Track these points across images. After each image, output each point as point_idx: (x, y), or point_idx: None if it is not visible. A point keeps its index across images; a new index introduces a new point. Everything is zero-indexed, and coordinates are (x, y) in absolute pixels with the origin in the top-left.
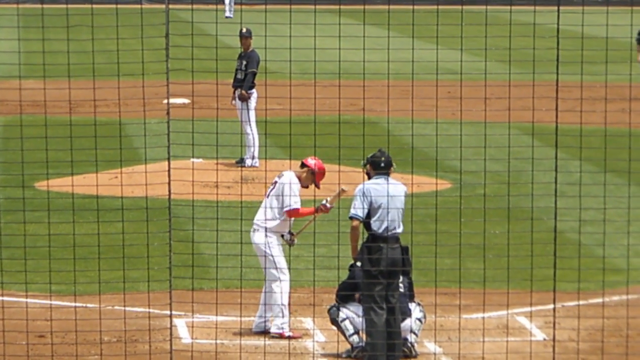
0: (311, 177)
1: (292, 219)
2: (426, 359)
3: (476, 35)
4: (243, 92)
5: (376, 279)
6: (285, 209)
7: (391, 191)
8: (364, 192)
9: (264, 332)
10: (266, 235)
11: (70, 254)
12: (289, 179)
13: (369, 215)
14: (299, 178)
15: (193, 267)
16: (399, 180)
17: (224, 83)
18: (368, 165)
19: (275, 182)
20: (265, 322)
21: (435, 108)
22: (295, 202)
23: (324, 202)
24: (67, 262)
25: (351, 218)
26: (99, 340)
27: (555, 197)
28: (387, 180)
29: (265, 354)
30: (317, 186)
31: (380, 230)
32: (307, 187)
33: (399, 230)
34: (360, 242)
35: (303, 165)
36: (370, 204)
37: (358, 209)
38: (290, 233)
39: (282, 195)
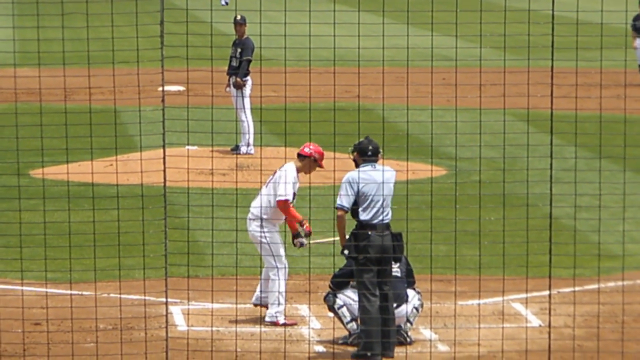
0: (313, 164)
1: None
2: (422, 345)
3: (471, 21)
4: (238, 79)
5: (365, 266)
6: (278, 198)
7: (379, 178)
8: (349, 182)
9: (262, 305)
10: (262, 225)
11: (65, 241)
12: (287, 170)
13: (356, 204)
14: (299, 169)
15: (188, 254)
16: (395, 167)
17: (219, 70)
18: (355, 153)
19: (275, 172)
20: (265, 297)
21: (430, 95)
22: (287, 194)
23: (302, 238)
24: (62, 250)
25: (337, 208)
26: (94, 327)
27: (550, 184)
28: (375, 167)
29: (261, 340)
30: (321, 167)
31: (368, 218)
32: (309, 173)
33: (388, 217)
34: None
35: (301, 156)
36: (357, 192)
37: (344, 199)
38: (305, 236)
39: (278, 184)
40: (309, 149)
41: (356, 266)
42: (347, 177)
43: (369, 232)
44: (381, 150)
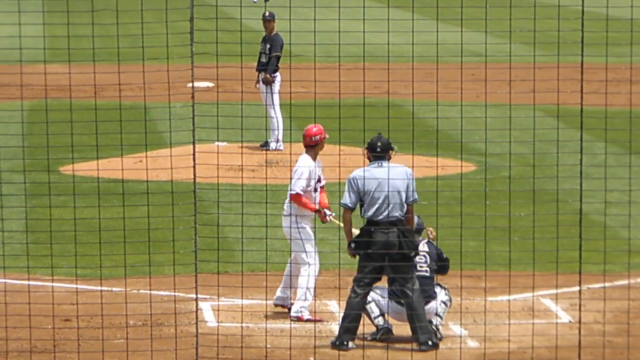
0: (321, 144)
1: (316, 198)
2: (452, 341)
3: (500, 17)
4: (267, 75)
5: (365, 262)
6: (291, 191)
7: (386, 175)
8: (350, 180)
9: (284, 307)
10: (296, 221)
11: (95, 238)
12: (299, 165)
13: (362, 201)
14: (314, 156)
15: (218, 250)
16: (424, 163)
17: (248, 66)
18: (366, 150)
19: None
20: (286, 297)
21: (459, 90)
22: (298, 186)
23: (329, 213)
24: (92, 246)
25: (341, 205)
26: (124, 324)
27: (580, 179)
28: (381, 165)
29: (291, 337)
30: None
31: (370, 214)
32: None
33: (396, 213)
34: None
35: (308, 147)
36: (359, 190)
37: (346, 197)
38: (328, 215)
39: (293, 177)
40: (316, 137)
41: (359, 261)
42: (350, 175)
43: (372, 229)
44: (394, 147)
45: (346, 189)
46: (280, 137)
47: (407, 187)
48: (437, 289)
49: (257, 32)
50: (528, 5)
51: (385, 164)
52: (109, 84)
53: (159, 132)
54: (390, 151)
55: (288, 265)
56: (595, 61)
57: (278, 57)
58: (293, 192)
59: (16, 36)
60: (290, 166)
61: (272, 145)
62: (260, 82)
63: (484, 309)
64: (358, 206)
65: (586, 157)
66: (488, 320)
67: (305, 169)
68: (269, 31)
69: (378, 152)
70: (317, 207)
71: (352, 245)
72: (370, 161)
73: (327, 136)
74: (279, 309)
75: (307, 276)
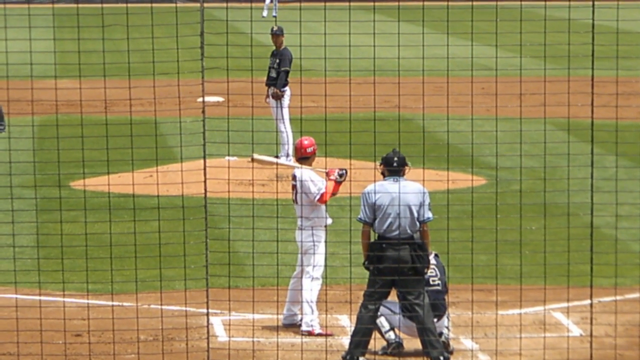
0: (314, 157)
1: (325, 207)
2: (463, 355)
3: (511, 31)
4: (276, 90)
5: (376, 277)
6: (316, 199)
7: (394, 190)
8: (364, 194)
9: (294, 325)
10: (312, 235)
11: (106, 253)
12: (306, 174)
13: (375, 216)
14: (310, 166)
15: (229, 265)
16: (435, 177)
17: (258, 81)
18: (381, 166)
19: (294, 185)
20: (294, 315)
21: (470, 104)
22: (320, 189)
23: (336, 172)
24: (103, 261)
25: (358, 221)
26: (135, 339)
27: (591, 193)
28: (395, 181)
29: (302, 351)
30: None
31: (382, 230)
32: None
33: (408, 230)
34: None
35: (302, 158)
36: (373, 205)
37: (362, 212)
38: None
39: (308, 190)
40: (310, 148)
41: (370, 276)
42: (364, 190)
43: (383, 245)
44: (409, 162)
45: (361, 204)
46: (290, 152)
47: (420, 204)
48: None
49: (267, 46)
50: (538, 19)
51: (400, 179)
52: (120, 99)
53: (169, 146)
54: (405, 167)
55: (292, 279)
56: (605, 74)
57: (287, 72)
58: (318, 196)
59: (27, 51)
60: (301, 180)
61: (283, 159)
62: (270, 97)
63: (495, 323)
64: None
65: (597, 171)
66: (499, 334)
67: (313, 175)
68: (277, 46)
69: (394, 167)
70: (334, 190)
71: (366, 262)
72: (384, 176)
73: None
74: (290, 324)
75: (310, 290)
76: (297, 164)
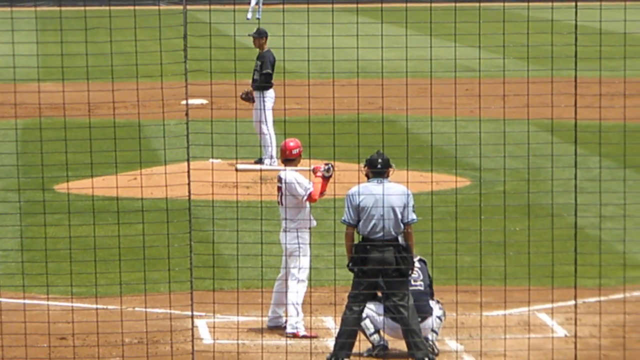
0: (299, 159)
1: (309, 209)
2: (448, 356)
3: (494, 32)
4: (251, 90)
5: (361, 279)
6: (304, 199)
7: (378, 192)
8: (347, 196)
9: (279, 327)
10: (297, 237)
11: (90, 256)
12: (291, 176)
13: (359, 217)
14: (295, 167)
15: (214, 267)
16: (419, 178)
17: (242, 83)
18: (365, 167)
19: (280, 187)
20: (279, 317)
21: (453, 106)
22: (307, 189)
23: (322, 168)
24: (87, 264)
25: (342, 222)
26: (120, 341)
27: (575, 194)
28: (380, 182)
29: (287, 353)
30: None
31: (366, 232)
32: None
33: (392, 232)
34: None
35: (287, 160)
36: (357, 207)
37: (346, 214)
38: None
39: (295, 192)
40: (295, 150)
41: (354, 278)
42: (348, 192)
43: (367, 246)
44: (393, 164)
45: (345, 206)
46: (274, 154)
47: (404, 206)
48: (432, 304)
49: (251, 49)
50: (521, 20)
51: (384, 181)
52: (103, 102)
53: (153, 149)
54: (389, 168)
55: (277, 282)
56: (589, 75)
57: (268, 74)
58: (306, 197)
59: (10, 55)
60: (285, 182)
61: (267, 162)
62: (248, 97)
63: (480, 324)
64: None
65: (581, 171)
66: (484, 335)
67: (298, 176)
68: (260, 48)
69: (379, 168)
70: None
71: (350, 264)
72: (368, 178)
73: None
74: (275, 326)
75: (296, 292)
76: (281, 167)
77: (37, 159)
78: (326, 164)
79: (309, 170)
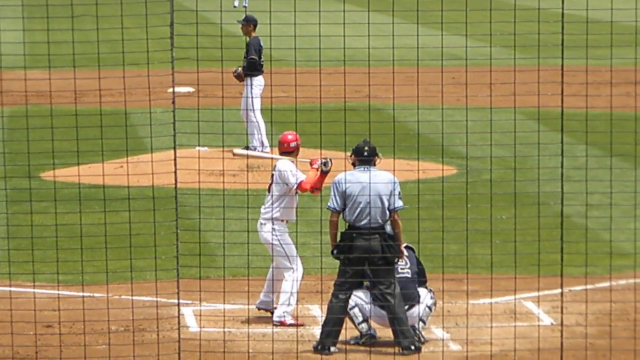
0: (297, 151)
1: (296, 202)
2: (434, 344)
3: (481, 20)
4: (240, 71)
5: (346, 267)
6: (294, 187)
7: (365, 180)
8: (334, 183)
9: (267, 310)
10: (273, 227)
11: (77, 243)
12: (286, 165)
13: (345, 204)
14: (292, 160)
15: (200, 255)
16: (405, 167)
17: (228, 71)
18: (352, 155)
19: (273, 175)
20: (269, 301)
21: (440, 94)
22: (299, 178)
23: (319, 161)
24: (74, 252)
25: (328, 209)
26: (106, 329)
27: (561, 182)
28: (366, 170)
29: (274, 341)
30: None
31: (352, 219)
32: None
33: (378, 219)
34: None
35: (286, 153)
36: (344, 193)
37: (332, 201)
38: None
39: (287, 180)
40: (293, 143)
41: (340, 266)
42: (334, 178)
43: (353, 234)
44: (379, 153)
45: (331, 192)
46: (265, 141)
47: (391, 193)
48: (423, 292)
49: (238, 36)
50: (508, 8)
51: (373, 169)
52: (89, 90)
53: (139, 137)
54: (376, 157)
55: (270, 269)
56: (575, 64)
57: (253, 61)
58: (296, 186)
59: None
60: (272, 170)
61: (259, 149)
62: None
63: (466, 312)
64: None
65: (567, 160)
66: (470, 324)
67: (291, 166)
68: (247, 35)
69: (365, 156)
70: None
71: (335, 251)
72: (355, 166)
73: (300, 143)
74: (262, 313)
75: (292, 281)
76: (276, 155)
77: (23, 146)
78: (324, 158)
79: (307, 161)
